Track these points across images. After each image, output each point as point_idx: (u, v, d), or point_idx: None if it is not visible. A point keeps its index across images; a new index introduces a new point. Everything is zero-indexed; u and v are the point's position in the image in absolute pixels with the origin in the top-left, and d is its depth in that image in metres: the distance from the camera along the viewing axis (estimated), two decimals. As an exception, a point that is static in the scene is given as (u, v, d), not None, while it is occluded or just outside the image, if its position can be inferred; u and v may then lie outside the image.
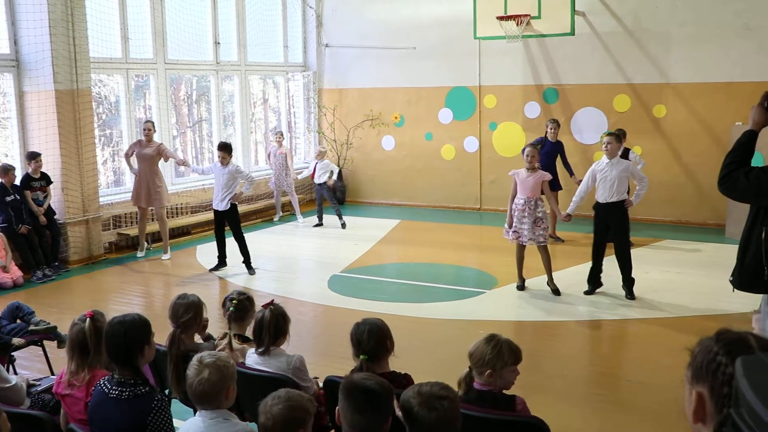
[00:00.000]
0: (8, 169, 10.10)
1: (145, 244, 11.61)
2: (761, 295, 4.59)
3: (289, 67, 15.84)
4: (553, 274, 8.92)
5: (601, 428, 5.59)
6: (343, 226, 13.07)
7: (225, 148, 10.18)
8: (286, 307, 4.61)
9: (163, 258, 11.20)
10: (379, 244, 12.11)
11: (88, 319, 3.92)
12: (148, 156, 11.03)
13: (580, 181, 10.84)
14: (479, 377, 3.77)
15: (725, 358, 1.68)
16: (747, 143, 4.29)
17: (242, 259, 10.23)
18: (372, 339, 3.99)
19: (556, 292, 8.83)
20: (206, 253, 11.53)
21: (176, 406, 4.67)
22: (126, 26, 12.11)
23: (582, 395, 6.17)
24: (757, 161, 4.36)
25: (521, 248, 8.89)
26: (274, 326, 4.35)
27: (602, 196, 8.48)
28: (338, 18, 15.73)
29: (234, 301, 4.83)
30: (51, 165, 10.64)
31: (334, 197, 13.41)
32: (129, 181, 12.49)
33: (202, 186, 13.24)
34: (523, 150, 8.92)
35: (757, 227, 4.30)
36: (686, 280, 9.43)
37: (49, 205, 10.55)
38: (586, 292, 8.77)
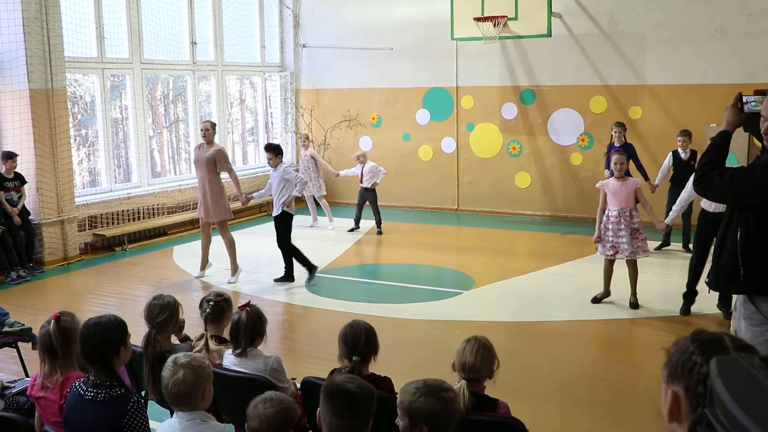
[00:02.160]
0: (-17, 171, 10.01)
1: (210, 263, 10.16)
2: (736, 296, 4.61)
3: (266, 67, 15.78)
4: (521, 275, 8.88)
5: (578, 428, 5.62)
6: (379, 233, 12.82)
7: (269, 149, 9.54)
8: (263, 307, 4.60)
9: (229, 281, 9.78)
10: (357, 244, 12.10)
11: (52, 320, 3.86)
12: (203, 160, 9.64)
13: (654, 188, 10.67)
14: (479, 382, 3.78)
15: (700, 358, 1.70)
16: (721, 144, 4.29)
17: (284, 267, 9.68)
18: (369, 341, 4.02)
19: (634, 305, 8.32)
20: (183, 254, 11.47)
21: (153, 407, 4.67)
22: (101, 25, 12.00)
23: (559, 395, 6.17)
24: (731, 162, 4.38)
25: (611, 263, 8.38)
26: (250, 327, 4.33)
27: (712, 205, 7.73)
28: (315, 18, 15.69)
29: (211, 303, 4.81)
30: (25, 165, 10.53)
31: (376, 203, 13.00)
32: (105, 181, 12.44)
33: (178, 186, 13.18)
34: (607, 158, 8.17)
35: (733, 227, 4.29)
36: (662, 280, 9.50)
37: (24, 205, 10.43)
38: (683, 312, 8.12)
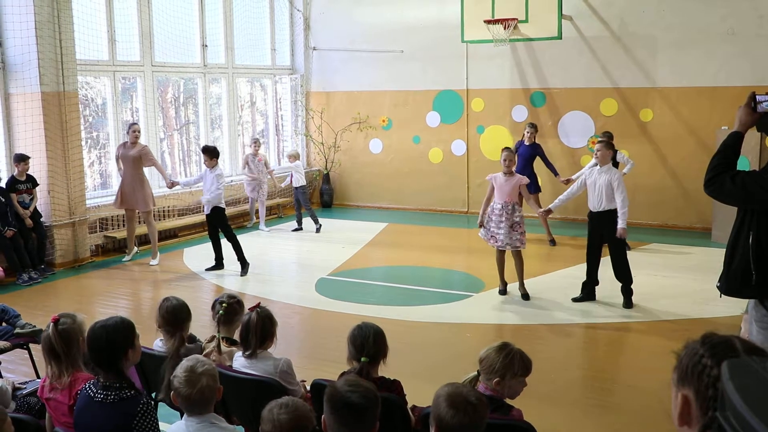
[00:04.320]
0: (-4, 173, 10.06)
1: (134, 248, 11.44)
2: (747, 300, 4.57)
3: (276, 69, 15.80)
4: (530, 278, 8.89)
5: (587, 431, 5.59)
6: (318, 230, 13.07)
7: (205, 152, 10.43)
8: (273, 309, 4.59)
9: (150, 263, 11.00)
10: (367, 247, 12.08)
11: (51, 324, 3.87)
12: (130, 158, 10.87)
13: (566, 180, 10.99)
14: (487, 383, 3.80)
15: (710, 361, 1.69)
16: (733, 145, 4.21)
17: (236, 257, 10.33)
18: (377, 343, 4.03)
19: (525, 296, 8.77)
20: (193, 255, 11.50)
21: (162, 409, 4.66)
22: (113, 28, 12.04)
23: (569, 399, 6.16)
24: (742, 165, 4.31)
25: (500, 253, 8.87)
26: (260, 329, 4.33)
27: (591, 204, 8.35)
28: (326, 21, 15.70)
29: (224, 304, 4.81)
30: (37, 167, 10.55)
31: (308, 201, 13.32)
32: (116, 183, 12.42)
33: (189, 189, 13.15)
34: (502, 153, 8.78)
35: (744, 231, 4.23)
36: (672, 284, 9.44)
37: (35, 207, 10.48)
38: (575, 299, 8.66)
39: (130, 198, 10.92)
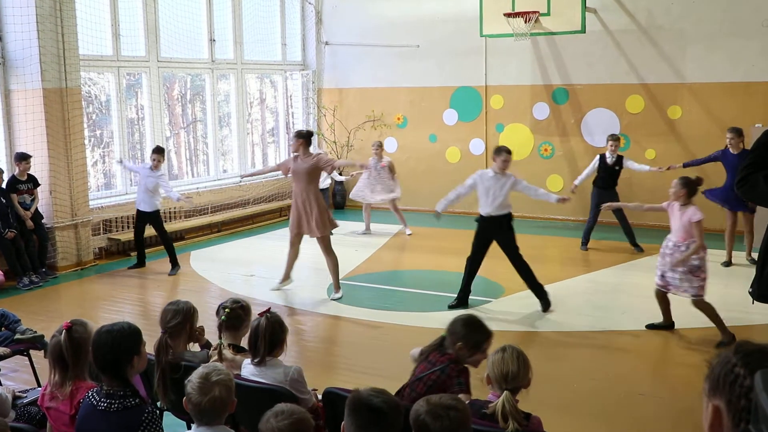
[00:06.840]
0: (-3, 172, 9.97)
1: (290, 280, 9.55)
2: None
3: (287, 65, 15.68)
4: (553, 283, 8.65)
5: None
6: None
7: (159, 152, 10.49)
8: (283, 315, 4.53)
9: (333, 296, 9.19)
10: (381, 250, 11.88)
11: (64, 330, 3.81)
12: (301, 172, 8.93)
13: (575, 186, 11.23)
14: (516, 394, 3.67)
15: (743, 370, 1.67)
16: (767, 143, 4.07)
17: (168, 258, 10.59)
18: (466, 329, 4.16)
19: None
20: (201, 258, 11.44)
21: (168, 419, 4.62)
22: (117, 23, 11.92)
23: (591, 408, 6.00)
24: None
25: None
26: (270, 335, 4.26)
27: (483, 209, 8.37)
28: (338, 15, 15.56)
29: (226, 310, 4.69)
30: (38, 166, 10.43)
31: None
32: (120, 183, 12.34)
33: (196, 189, 12.96)
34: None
35: (779, 235, 4.13)
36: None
37: (37, 208, 10.34)
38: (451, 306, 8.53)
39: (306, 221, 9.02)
